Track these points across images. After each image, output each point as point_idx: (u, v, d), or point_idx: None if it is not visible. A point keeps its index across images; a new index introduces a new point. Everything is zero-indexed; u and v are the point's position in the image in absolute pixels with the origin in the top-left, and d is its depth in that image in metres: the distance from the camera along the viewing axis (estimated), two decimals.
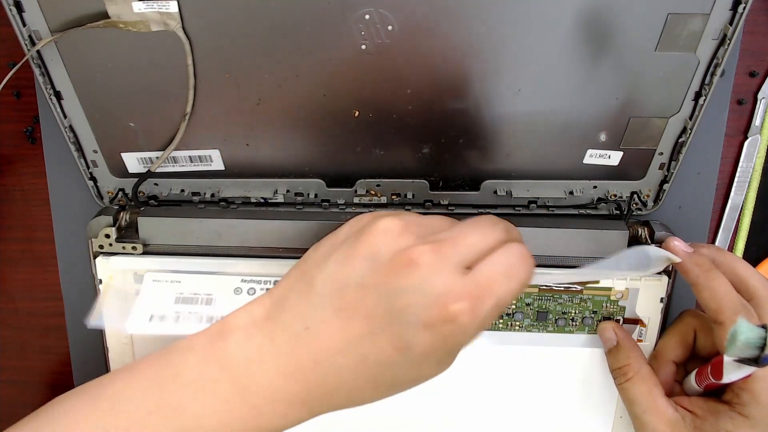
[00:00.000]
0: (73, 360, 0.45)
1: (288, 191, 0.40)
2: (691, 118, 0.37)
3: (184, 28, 0.33)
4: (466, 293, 0.25)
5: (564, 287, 0.38)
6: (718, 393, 0.34)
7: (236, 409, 0.27)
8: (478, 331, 0.26)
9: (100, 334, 0.39)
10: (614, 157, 0.39)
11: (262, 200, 0.40)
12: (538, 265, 0.37)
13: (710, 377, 0.33)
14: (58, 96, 0.36)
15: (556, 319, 0.39)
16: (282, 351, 0.26)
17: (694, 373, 0.35)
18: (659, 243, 0.37)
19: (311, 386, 0.26)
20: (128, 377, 0.28)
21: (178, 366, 0.27)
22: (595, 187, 0.40)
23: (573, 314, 0.39)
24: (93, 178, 0.39)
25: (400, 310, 0.25)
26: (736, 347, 0.28)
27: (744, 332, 0.28)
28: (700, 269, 0.33)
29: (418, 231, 0.27)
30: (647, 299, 0.38)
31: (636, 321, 0.38)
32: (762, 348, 0.28)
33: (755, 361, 0.28)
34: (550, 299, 0.38)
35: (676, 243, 0.35)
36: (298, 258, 0.30)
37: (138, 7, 0.32)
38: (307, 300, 0.27)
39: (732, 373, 0.31)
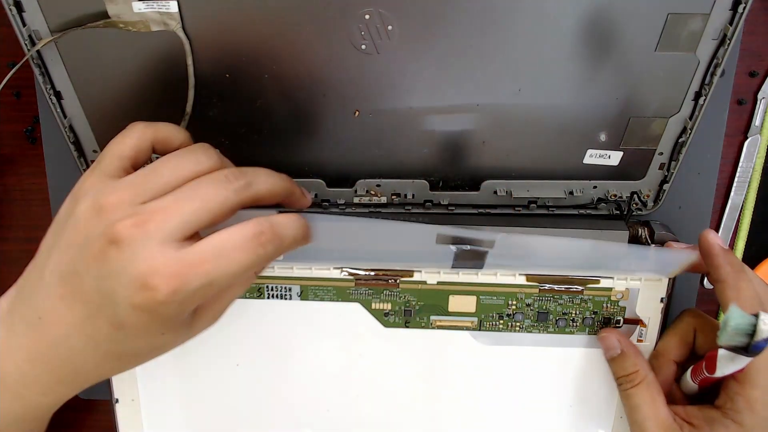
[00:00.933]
0: None
1: None
2: (691, 118, 0.37)
3: (184, 28, 0.33)
4: (168, 273, 0.24)
5: (564, 288, 0.38)
6: (712, 396, 0.34)
7: None
8: (192, 305, 0.26)
9: None
10: (614, 157, 0.39)
11: None
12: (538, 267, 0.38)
13: (704, 372, 0.33)
14: (58, 96, 0.36)
15: (556, 320, 0.39)
16: (23, 342, 0.27)
17: (690, 369, 0.35)
18: (661, 243, 0.37)
19: (58, 369, 0.28)
20: None
21: None
22: (595, 187, 0.40)
23: (573, 315, 0.39)
24: None
25: (108, 292, 0.25)
26: (726, 334, 0.28)
27: (735, 318, 0.28)
28: (732, 268, 0.33)
29: (135, 193, 0.26)
30: (647, 299, 0.38)
31: (636, 321, 0.38)
32: (751, 335, 0.28)
33: (745, 349, 0.28)
34: (550, 299, 0.38)
35: (713, 237, 0.34)
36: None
37: (138, 7, 0.32)
38: (38, 291, 0.27)
39: (725, 366, 0.31)
